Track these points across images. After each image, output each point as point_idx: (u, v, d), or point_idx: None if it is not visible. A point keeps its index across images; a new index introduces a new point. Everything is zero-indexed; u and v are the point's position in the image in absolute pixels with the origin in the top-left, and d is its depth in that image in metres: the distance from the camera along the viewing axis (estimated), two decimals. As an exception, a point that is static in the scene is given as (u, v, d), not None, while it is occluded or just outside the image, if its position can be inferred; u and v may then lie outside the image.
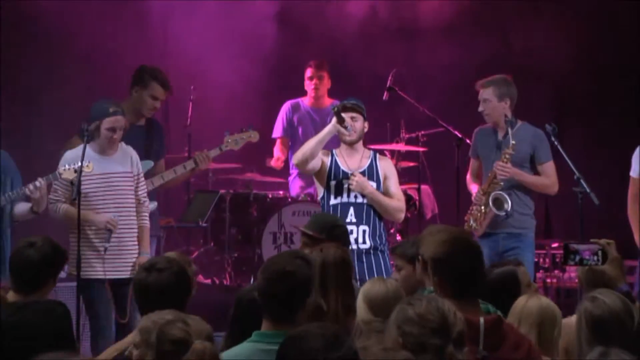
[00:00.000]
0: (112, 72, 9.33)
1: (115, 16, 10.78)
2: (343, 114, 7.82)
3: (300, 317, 4.75)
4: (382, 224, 7.93)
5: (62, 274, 9.38)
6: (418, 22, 10.86)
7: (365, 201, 7.84)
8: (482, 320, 4.44)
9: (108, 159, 7.88)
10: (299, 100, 10.38)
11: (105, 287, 7.71)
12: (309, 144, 7.88)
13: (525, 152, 8.35)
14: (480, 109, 8.39)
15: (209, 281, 10.22)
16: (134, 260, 7.81)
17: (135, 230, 7.89)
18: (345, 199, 7.84)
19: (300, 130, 10.28)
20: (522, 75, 10.45)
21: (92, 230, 7.71)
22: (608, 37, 10.67)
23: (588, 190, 7.90)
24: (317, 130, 9.66)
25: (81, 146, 7.71)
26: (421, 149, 10.03)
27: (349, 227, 7.74)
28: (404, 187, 10.05)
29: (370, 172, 7.89)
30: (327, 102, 10.05)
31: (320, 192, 8.09)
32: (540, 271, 9.87)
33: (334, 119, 7.80)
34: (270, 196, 10.38)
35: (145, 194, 8.04)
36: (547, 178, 8.40)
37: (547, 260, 9.95)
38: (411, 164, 10.19)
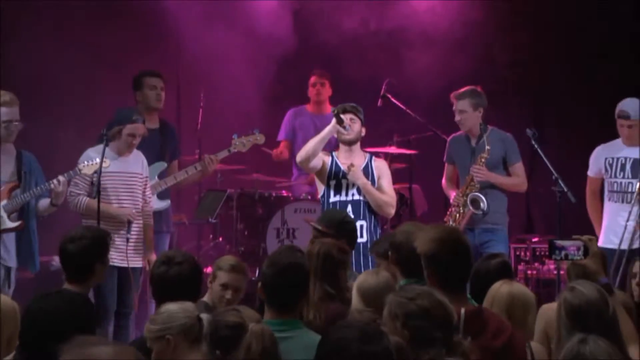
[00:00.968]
0: (125, 79, 9.30)
1: (132, 27, 10.78)
2: (342, 116, 7.86)
3: (301, 307, 4.82)
4: (377, 220, 7.97)
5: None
6: (411, 36, 10.86)
7: (362, 198, 7.87)
8: (463, 310, 4.44)
9: (124, 159, 7.95)
10: (302, 107, 10.40)
11: (114, 275, 7.76)
12: (311, 143, 7.91)
13: (498, 155, 8.43)
14: (457, 118, 8.47)
15: None
16: (141, 251, 7.87)
17: (142, 224, 7.97)
18: (344, 197, 7.87)
19: (301, 134, 10.27)
20: (504, 82, 10.54)
21: (108, 223, 7.74)
22: (583, 49, 10.70)
23: (565, 189, 7.97)
24: (317, 133, 9.73)
25: (96, 147, 7.79)
26: (412, 152, 9.98)
27: None
28: (397, 186, 10.06)
29: (366, 172, 7.94)
30: (328, 108, 9.96)
31: (321, 190, 8.11)
32: (522, 263, 9.86)
33: (334, 120, 7.84)
34: (274, 195, 10.32)
35: (150, 195, 8.10)
36: (518, 177, 8.48)
37: (527, 253, 9.91)
38: (403, 165, 10.12)
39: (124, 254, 7.76)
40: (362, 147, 8.24)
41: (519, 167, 8.47)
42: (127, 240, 7.75)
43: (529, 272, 9.69)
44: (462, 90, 8.53)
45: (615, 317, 4.30)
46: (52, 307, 3.76)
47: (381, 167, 8.09)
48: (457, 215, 8.33)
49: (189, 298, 4.79)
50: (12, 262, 7.79)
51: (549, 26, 10.61)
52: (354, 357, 3.47)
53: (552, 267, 9.50)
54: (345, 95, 10.03)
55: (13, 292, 7.61)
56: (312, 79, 10.35)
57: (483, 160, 8.30)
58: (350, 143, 7.97)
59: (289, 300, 4.73)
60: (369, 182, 7.89)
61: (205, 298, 5.73)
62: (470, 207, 8.28)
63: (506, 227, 8.51)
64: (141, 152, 8.08)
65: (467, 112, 8.44)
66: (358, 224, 7.77)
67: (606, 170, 8.33)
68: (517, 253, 9.94)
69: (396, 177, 9.97)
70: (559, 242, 4.79)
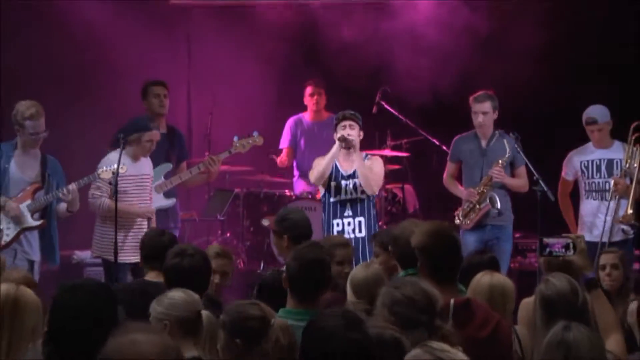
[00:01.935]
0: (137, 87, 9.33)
1: (145, 37, 10.84)
2: (343, 122, 7.86)
3: (321, 298, 4.81)
4: (374, 216, 7.97)
5: (87, 257, 9.50)
6: (404, 48, 10.87)
7: (359, 196, 7.90)
8: (452, 301, 4.43)
9: (138, 163, 7.98)
10: (301, 115, 10.35)
11: (127, 271, 7.76)
12: (321, 165, 7.89)
13: (509, 158, 8.36)
14: (479, 120, 8.30)
15: None
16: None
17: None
18: (343, 196, 7.87)
19: (302, 141, 10.26)
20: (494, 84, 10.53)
21: (126, 222, 7.77)
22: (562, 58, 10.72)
23: (546, 188, 7.99)
24: (316, 141, 9.78)
25: (117, 150, 7.79)
26: (404, 154, 9.97)
27: (348, 220, 7.82)
28: (390, 186, 10.13)
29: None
30: (325, 115, 10.04)
31: (322, 191, 8.14)
32: None
33: (337, 142, 7.82)
34: (277, 194, 10.30)
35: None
36: (522, 179, 8.39)
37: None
38: (396, 167, 10.13)
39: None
40: (360, 151, 8.22)
41: (523, 170, 8.38)
42: None
43: (512, 264, 9.67)
44: (481, 93, 8.38)
45: (585, 307, 4.28)
46: (77, 297, 3.71)
47: (373, 160, 8.09)
48: (470, 211, 8.23)
49: (199, 288, 4.81)
50: (36, 257, 7.83)
51: (533, 37, 10.63)
52: (339, 343, 3.42)
53: (533, 260, 9.47)
54: (344, 101, 10.10)
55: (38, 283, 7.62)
56: (309, 90, 10.26)
57: (503, 163, 8.24)
58: (350, 147, 7.97)
59: (310, 292, 4.74)
60: (360, 155, 7.89)
61: None
62: (490, 205, 8.20)
63: (512, 225, 8.45)
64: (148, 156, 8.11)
65: (489, 113, 8.34)
66: (357, 220, 7.84)
67: (582, 172, 8.34)
68: None
69: (390, 177, 10.03)
70: (547, 240, 4.78)
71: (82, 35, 10.38)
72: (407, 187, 10.13)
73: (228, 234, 10.39)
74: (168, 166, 8.56)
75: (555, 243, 4.73)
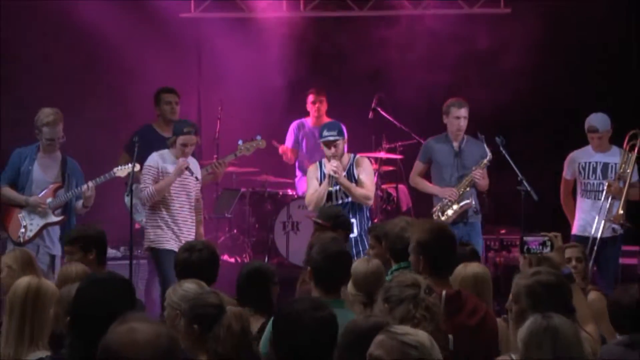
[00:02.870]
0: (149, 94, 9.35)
1: (157, 48, 10.80)
2: (328, 149, 7.76)
3: (342, 289, 4.83)
4: (367, 217, 7.93)
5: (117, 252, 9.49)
6: (400, 57, 10.90)
7: (349, 200, 7.86)
8: (444, 292, 4.45)
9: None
10: (303, 120, 10.36)
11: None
12: (316, 196, 7.84)
13: (477, 160, 8.41)
14: (460, 124, 8.31)
15: (233, 260, 10.19)
16: (192, 238, 7.73)
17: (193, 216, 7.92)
18: (335, 202, 7.81)
19: (304, 143, 10.28)
20: (477, 97, 10.54)
21: (168, 212, 7.76)
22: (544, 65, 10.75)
23: (529, 188, 8.02)
24: (316, 144, 9.78)
25: (163, 150, 7.80)
26: (398, 157, 9.98)
27: None
28: (385, 186, 10.14)
29: (348, 173, 7.86)
30: (326, 120, 10.03)
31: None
32: (492, 251, 9.86)
33: (326, 181, 7.78)
34: (280, 193, 10.39)
35: (200, 194, 8.08)
36: (487, 180, 8.42)
37: (496, 243, 9.95)
38: (391, 168, 10.14)
39: (179, 241, 7.63)
40: (357, 153, 8.21)
41: (485, 171, 8.45)
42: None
43: (497, 259, 9.71)
44: (459, 99, 8.39)
45: (568, 298, 4.24)
46: (98, 289, 3.70)
47: (361, 164, 7.96)
48: (448, 209, 8.23)
49: (207, 280, 4.84)
50: (57, 251, 7.86)
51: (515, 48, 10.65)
52: (308, 323, 3.51)
53: (516, 254, 9.51)
54: (344, 105, 10.16)
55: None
56: (311, 97, 10.26)
57: (484, 166, 8.28)
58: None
59: (333, 282, 4.74)
60: (346, 180, 7.80)
61: None
62: (469, 203, 8.22)
63: (480, 221, 8.49)
64: (194, 158, 8.01)
65: (466, 118, 8.36)
66: (350, 221, 7.80)
67: (580, 172, 8.38)
68: (488, 243, 9.90)
69: (384, 178, 10.05)
70: (527, 238, 4.75)
71: (98, 45, 10.42)
72: (401, 187, 10.13)
73: (235, 230, 10.44)
74: None
75: (534, 241, 4.71)
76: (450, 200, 8.25)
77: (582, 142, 8.53)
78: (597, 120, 8.31)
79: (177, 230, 7.72)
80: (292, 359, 3.53)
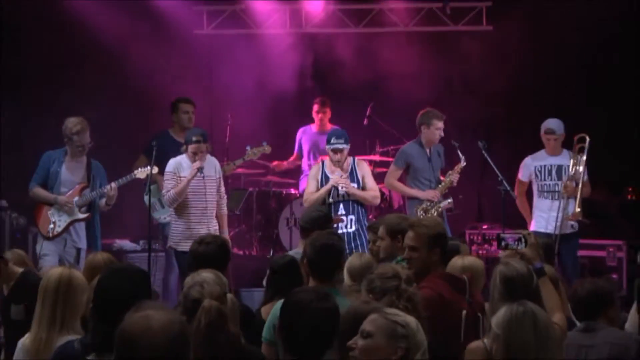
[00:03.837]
0: (166, 103, 9.40)
1: (173, 63, 10.80)
2: (334, 154, 7.82)
3: (337, 277, 4.86)
4: (363, 212, 7.96)
5: (126, 245, 9.51)
6: (391, 69, 10.94)
7: (350, 198, 7.84)
8: (465, 277, 4.57)
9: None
10: (309, 126, 10.28)
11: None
12: (314, 199, 7.82)
13: (439, 163, 8.48)
14: (441, 134, 8.34)
15: (241, 252, 10.19)
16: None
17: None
18: (335, 198, 7.85)
19: (306, 147, 10.23)
20: (461, 105, 10.61)
21: (190, 215, 7.68)
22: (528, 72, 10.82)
23: (508, 188, 8.08)
24: (318, 148, 9.85)
25: (180, 156, 7.75)
26: (391, 159, 9.94)
27: (342, 217, 7.85)
28: (379, 186, 10.18)
29: (352, 177, 7.91)
30: (329, 126, 9.93)
31: (318, 194, 8.14)
32: (475, 245, 9.81)
33: (325, 188, 7.81)
34: (284, 192, 10.37)
35: (224, 191, 8.01)
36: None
37: (479, 237, 9.92)
38: (384, 170, 10.13)
39: None
40: (355, 156, 8.21)
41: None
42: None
43: (480, 252, 9.71)
44: (437, 111, 8.39)
45: (538, 288, 4.30)
46: (118, 278, 3.69)
47: (363, 167, 8.01)
48: (431, 209, 8.20)
49: (216, 269, 4.86)
50: (83, 245, 7.92)
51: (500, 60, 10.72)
52: (313, 312, 3.50)
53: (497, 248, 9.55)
54: (344, 112, 10.22)
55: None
56: (316, 107, 10.14)
57: (460, 168, 8.32)
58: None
59: (325, 271, 4.75)
60: (356, 190, 7.84)
61: None
62: (449, 204, 8.26)
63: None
64: (215, 159, 7.97)
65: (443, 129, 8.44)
66: (349, 217, 7.82)
67: (536, 175, 8.40)
68: (471, 237, 9.91)
69: (378, 178, 10.05)
70: (503, 235, 4.74)
71: (115, 59, 10.45)
72: (393, 186, 10.18)
73: (243, 226, 10.44)
74: None
75: (510, 237, 4.72)
76: (431, 201, 8.27)
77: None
78: (555, 124, 8.33)
79: (196, 232, 7.55)
80: (297, 345, 3.51)
